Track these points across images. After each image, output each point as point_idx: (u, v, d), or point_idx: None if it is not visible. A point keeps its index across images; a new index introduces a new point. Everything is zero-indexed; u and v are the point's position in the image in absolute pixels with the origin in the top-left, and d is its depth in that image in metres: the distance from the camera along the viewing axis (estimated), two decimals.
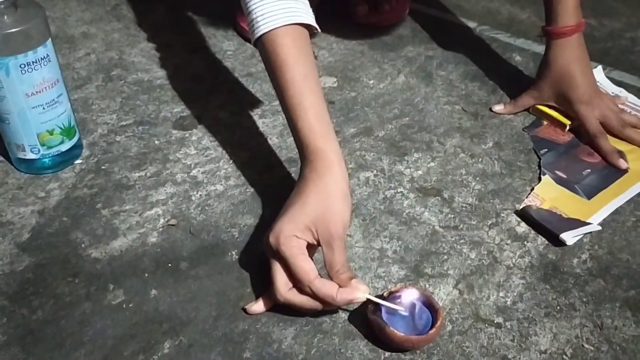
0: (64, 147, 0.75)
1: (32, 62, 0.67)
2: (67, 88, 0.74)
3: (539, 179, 0.75)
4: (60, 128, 0.73)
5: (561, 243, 0.67)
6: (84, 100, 0.87)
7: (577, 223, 0.69)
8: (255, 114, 0.86)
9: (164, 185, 0.74)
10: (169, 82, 0.92)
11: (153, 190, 0.74)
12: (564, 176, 0.76)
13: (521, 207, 0.72)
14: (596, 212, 0.71)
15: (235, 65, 0.95)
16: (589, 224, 0.69)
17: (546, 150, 0.80)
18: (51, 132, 0.72)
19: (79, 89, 0.90)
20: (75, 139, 0.76)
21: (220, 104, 0.88)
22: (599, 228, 0.69)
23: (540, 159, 0.78)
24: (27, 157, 0.73)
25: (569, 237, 0.67)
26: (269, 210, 0.71)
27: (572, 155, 0.79)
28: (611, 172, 0.77)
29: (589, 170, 0.77)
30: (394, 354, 0.57)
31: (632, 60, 0.98)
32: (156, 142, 0.81)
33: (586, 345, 0.58)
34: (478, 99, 0.89)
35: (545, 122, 0.85)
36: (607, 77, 0.92)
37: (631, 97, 0.89)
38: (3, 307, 0.60)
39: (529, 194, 0.74)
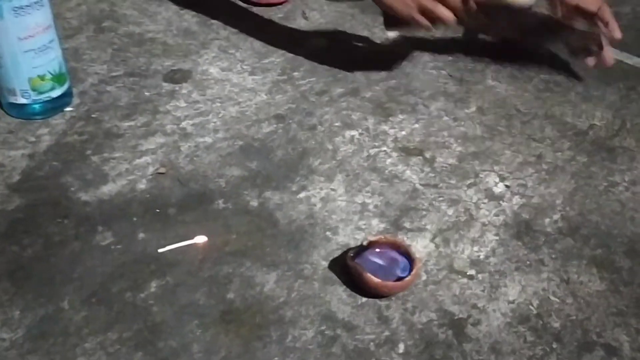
0: (55, 93, 0.75)
1: (26, 5, 0.68)
2: (58, 35, 0.75)
3: None
4: (51, 74, 0.74)
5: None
6: (74, 50, 0.88)
7: None
8: (245, 70, 0.87)
9: (154, 135, 0.76)
10: (160, 35, 0.92)
11: (143, 140, 0.75)
12: None
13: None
14: None
15: (227, 22, 0.96)
16: None
17: None
18: (42, 78, 0.73)
19: (70, 38, 0.90)
20: (65, 86, 0.77)
21: (211, 59, 0.89)
22: None
23: None
24: (18, 102, 0.74)
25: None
26: (255, 163, 0.73)
27: None
28: None
29: None
30: (370, 299, 0.60)
31: None
32: (146, 93, 0.82)
33: (552, 297, 0.61)
34: (464, 65, 0.91)
35: None
36: None
37: None
38: None
39: None
